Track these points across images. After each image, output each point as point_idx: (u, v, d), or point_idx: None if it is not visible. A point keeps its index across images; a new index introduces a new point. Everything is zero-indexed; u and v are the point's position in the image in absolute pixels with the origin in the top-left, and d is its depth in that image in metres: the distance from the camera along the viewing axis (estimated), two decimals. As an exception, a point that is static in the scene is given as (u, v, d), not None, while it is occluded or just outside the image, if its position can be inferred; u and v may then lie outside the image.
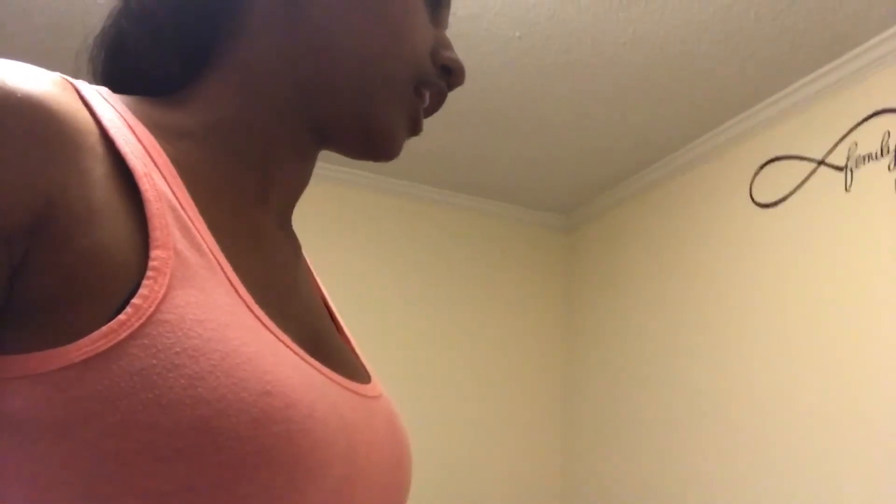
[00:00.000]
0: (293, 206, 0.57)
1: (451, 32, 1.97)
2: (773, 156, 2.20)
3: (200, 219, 0.44)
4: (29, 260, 0.38)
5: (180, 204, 0.43)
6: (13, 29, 1.99)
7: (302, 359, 0.45)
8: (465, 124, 2.41)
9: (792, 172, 2.12)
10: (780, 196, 2.15)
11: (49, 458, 0.36)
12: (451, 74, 0.56)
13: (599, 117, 2.36)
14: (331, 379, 0.47)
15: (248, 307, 0.43)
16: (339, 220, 2.74)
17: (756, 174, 2.24)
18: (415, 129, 0.56)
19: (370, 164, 2.63)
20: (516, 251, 3.05)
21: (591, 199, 2.94)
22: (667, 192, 2.61)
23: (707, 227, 2.41)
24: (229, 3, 0.52)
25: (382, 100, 0.53)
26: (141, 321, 0.37)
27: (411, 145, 2.69)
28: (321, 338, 0.53)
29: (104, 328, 0.37)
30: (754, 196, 2.24)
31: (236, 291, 0.43)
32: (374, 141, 0.54)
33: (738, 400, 2.16)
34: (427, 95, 0.56)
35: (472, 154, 2.61)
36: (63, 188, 0.38)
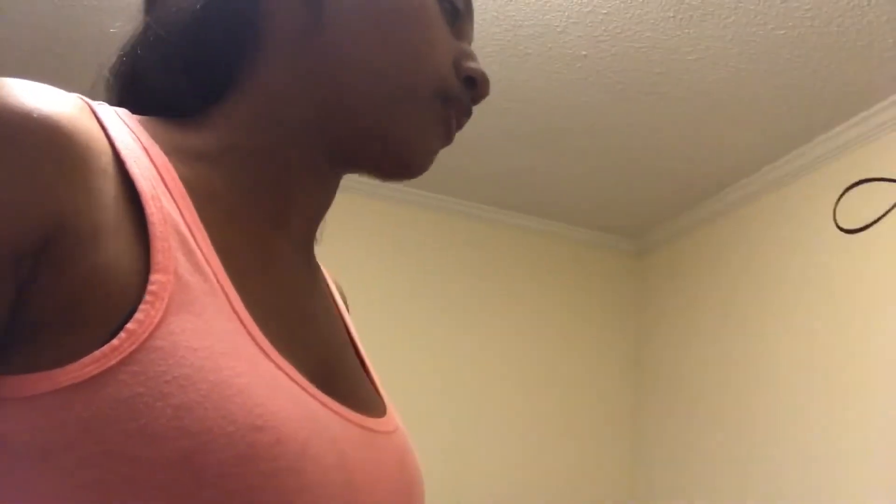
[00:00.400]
0: (315, 231, 0.56)
1: (514, 52, 1.95)
2: (858, 178, 2.06)
3: (208, 242, 0.44)
4: (31, 281, 0.37)
5: (188, 227, 0.43)
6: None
7: (304, 390, 0.43)
8: (532, 145, 2.37)
9: (880, 196, 1.98)
10: (867, 221, 2.00)
11: (30, 483, 0.35)
12: (475, 86, 0.55)
13: (671, 138, 2.28)
14: (335, 412, 0.45)
15: (250, 334, 0.42)
16: (394, 240, 2.74)
17: (840, 198, 2.11)
18: (447, 140, 0.55)
19: (436, 183, 2.63)
20: (585, 275, 2.97)
21: (663, 222, 2.84)
22: (744, 217, 2.49)
23: (788, 253, 2.27)
24: (245, 29, 0.52)
25: (402, 115, 0.52)
26: (133, 347, 0.37)
27: (478, 167, 2.68)
28: (334, 368, 0.51)
29: (96, 353, 0.36)
30: (839, 221, 2.10)
31: (238, 317, 0.42)
32: (399, 160, 0.53)
33: (819, 437, 2.02)
34: (451, 112, 0.54)
35: (539, 175, 2.57)
36: (73, 210, 0.38)
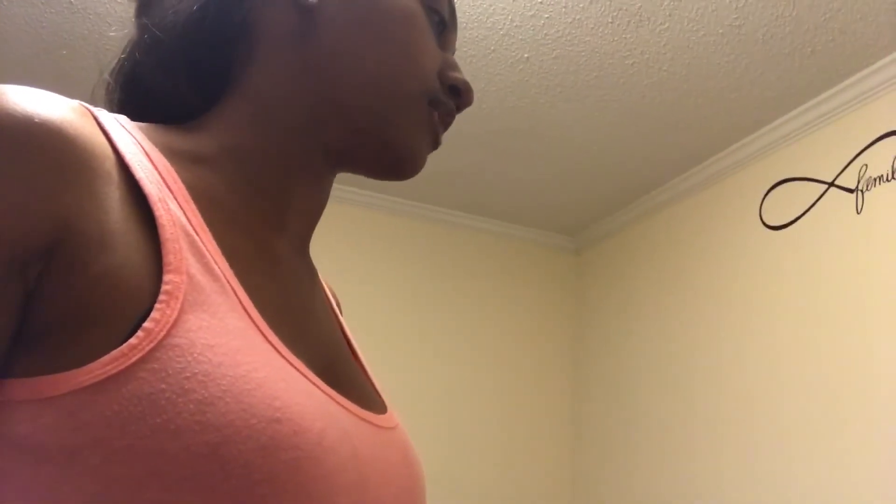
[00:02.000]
0: (311, 231, 0.57)
1: (458, 55, 1.98)
2: (782, 178, 2.19)
3: (214, 244, 0.44)
4: (42, 284, 0.38)
5: (194, 229, 0.43)
6: (28, 50, 2.01)
7: (315, 385, 0.44)
8: (473, 145, 2.41)
9: (802, 195, 2.11)
10: (791, 218, 2.13)
11: (55, 483, 0.36)
12: (459, 95, 0.57)
13: (607, 139, 2.35)
14: (344, 407, 0.46)
15: (261, 332, 0.43)
16: (345, 240, 2.74)
17: (765, 196, 2.23)
18: (435, 144, 0.57)
19: (375, 182, 2.64)
20: (524, 272, 3.04)
21: (599, 220, 2.93)
22: (676, 214, 2.59)
23: (717, 249, 2.39)
24: (240, 32, 0.53)
25: (398, 117, 0.53)
26: (151, 345, 0.37)
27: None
28: (336, 365, 0.52)
29: (114, 352, 0.36)
30: (764, 218, 2.22)
31: (249, 316, 0.43)
32: (394, 158, 0.54)
33: (748, 422, 2.13)
34: (436, 116, 0.56)
35: (479, 175, 2.61)
36: (78, 213, 0.38)
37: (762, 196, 2.24)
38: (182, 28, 0.52)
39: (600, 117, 2.25)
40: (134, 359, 0.36)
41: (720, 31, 1.87)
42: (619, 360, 2.74)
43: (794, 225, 2.11)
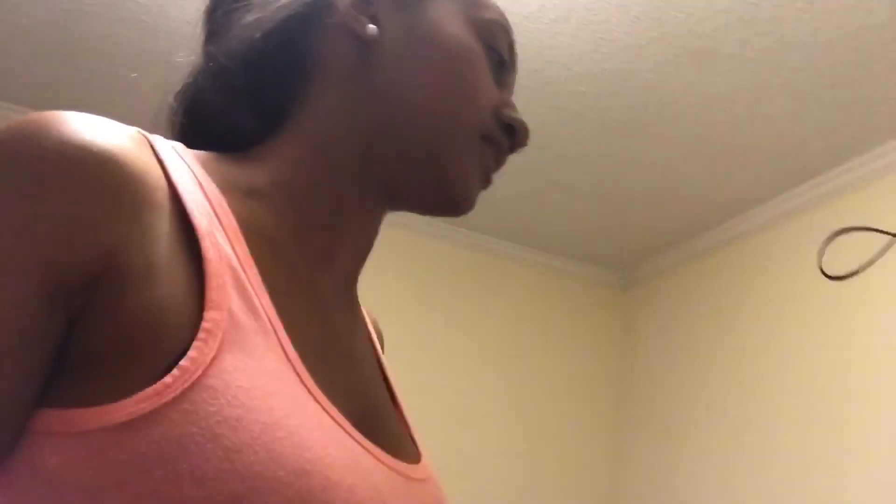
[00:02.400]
0: (359, 268, 0.56)
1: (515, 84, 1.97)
2: (844, 226, 2.11)
3: (259, 280, 0.44)
4: (84, 315, 0.38)
5: (241, 264, 0.43)
6: (102, 67, 2.07)
7: (348, 434, 0.43)
8: (522, 174, 2.38)
9: (865, 245, 2.02)
10: (852, 269, 2.04)
11: None
12: (514, 134, 0.56)
13: (662, 176, 2.31)
14: (376, 457, 0.45)
15: (298, 375, 0.42)
16: (388, 264, 2.74)
17: (826, 244, 2.15)
18: (486, 182, 0.57)
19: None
20: (569, 306, 2.98)
21: (649, 258, 2.86)
22: (730, 257, 2.52)
23: (772, 295, 2.31)
24: (303, 65, 0.53)
25: (453, 153, 0.53)
26: (186, 385, 0.36)
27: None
28: (372, 411, 0.51)
29: (149, 390, 0.36)
30: (824, 267, 2.14)
31: (287, 357, 0.42)
32: (448, 194, 0.54)
33: (801, 478, 2.04)
34: (489, 153, 0.56)
35: (527, 204, 2.58)
36: (126, 245, 0.38)
37: (822, 243, 2.16)
38: (245, 57, 0.52)
39: (656, 154, 2.20)
40: (167, 398, 0.36)
41: (786, 73, 1.82)
42: (664, 404, 2.67)
43: (855, 276, 2.03)
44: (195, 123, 0.54)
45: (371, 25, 0.52)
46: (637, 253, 2.85)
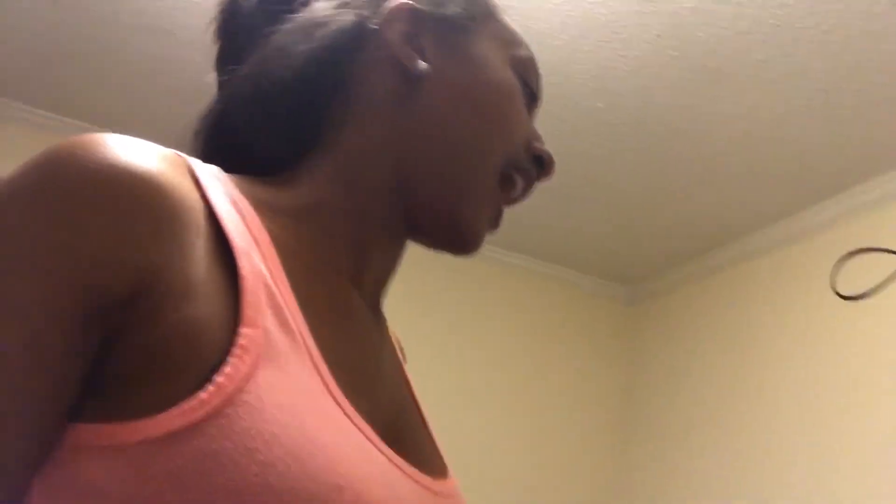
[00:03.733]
0: (384, 290, 0.58)
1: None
2: (857, 246, 2.11)
3: (292, 295, 0.44)
4: (121, 332, 0.38)
5: (274, 281, 0.43)
6: (142, 93, 2.07)
7: (378, 449, 0.44)
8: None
9: (879, 266, 2.02)
10: (866, 289, 2.04)
11: None
12: (542, 165, 0.59)
13: (675, 192, 2.31)
14: (406, 473, 0.46)
15: (330, 391, 0.42)
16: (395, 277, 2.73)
17: (839, 264, 2.15)
18: (495, 225, 0.58)
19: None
20: (573, 318, 2.98)
21: (658, 273, 2.86)
22: (741, 275, 2.52)
23: (783, 315, 2.30)
24: (343, 92, 0.54)
25: (473, 194, 0.54)
26: (221, 400, 0.37)
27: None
28: (399, 424, 0.52)
29: (184, 405, 0.36)
30: (837, 287, 2.13)
31: (319, 374, 0.42)
32: (461, 236, 0.55)
33: (808, 496, 2.03)
34: (518, 182, 0.58)
35: (538, 217, 2.58)
36: (164, 264, 0.39)
37: (836, 264, 2.16)
38: (289, 82, 0.52)
39: (670, 170, 2.21)
40: (203, 413, 0.36)
41: (806, 95, 1.82)
42: (669, 419, 2.66)
43: (868, 297, 2.03)
44: (227, 147, 0.54)
45: (420, 61, 0.53)
46: (646, 267, 2.85)
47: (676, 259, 2.74)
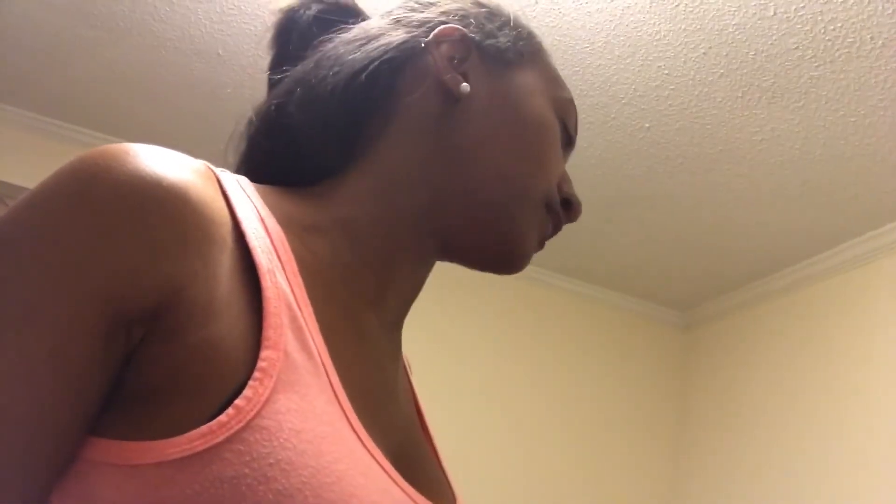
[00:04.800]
0: (406, 312, 0.57)
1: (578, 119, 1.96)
2: (925, 271, 2.00)
3: (314, 319, 0.44)
4: (143, 347, 0.38)
5: (297, 303, 0.43)
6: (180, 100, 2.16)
7: (393, 480, 0.44)
8: (586, 209, 2.35)
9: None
10: (933, 317, 1.93)
11: None
12: (570, 209, 0.59)
13: (729, 214, 2.24)
14: (416, 502, 0.46)
15: (347, 418, 0.42)
16: (447, 298, 2.73)
17: (904, 290, 2.04)
18: (540, 247, 0.58)
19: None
20: (628, 344, 2.91)
21: (713, 297, 2.78)
22: (799, 300, 2.42)
23: (846, 340, 2.20)
24: (384, 106, 0.54)
25: (519, 215, 0.54)
26: (240, 425, 0.36)
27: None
28: (410, 453, 0.52)
29: (203, 428, 0.36)
30: (901, 314, 2.03)
31: (337, 399, 0.42)
32: (506, 253, 0.55)
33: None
34: (549, 220, 0.58)
35: (588, 240, 2.55)
36: (190, 280, 0.39)
37: (900, 289, 2.06)
38: (342, 89, 0.52)
39: (723, 192, 2.15)
40: (221, 437, 0.36)
41: (861, 111, 1.75)
42: (723, 446, 2.56)
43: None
44: (275, 146, 0.54)
45: (465, 84, 0.54)
46: (700, 293, 2.77)
47: (732, 284, 2.65)
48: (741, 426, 2.52)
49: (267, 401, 0.38)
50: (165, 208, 0.39)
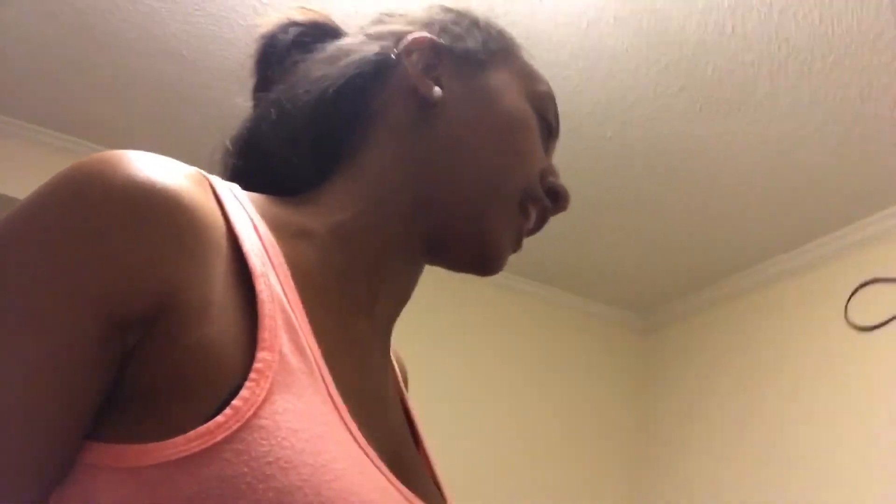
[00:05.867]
0: (397, 316, 0.58)
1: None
2: (872, 277, 2.09)
3: (307, 321, 0.45)
4: (138, 350, 0.39)
5: (290, 306, 0.44)
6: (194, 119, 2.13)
7: (388, 480, 0.44)
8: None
9: (890, 296, 2.01)
10: (880, 321, 2.02)
11: None
12: (557, 199, 0.60)
13: (688, 220, 2.31)
14: (410, 502, 0.46)
15: (342, 418, 0.43)
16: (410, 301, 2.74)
17: (853, 294, 2.13)
18: (517, 246, 0.59)
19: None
20: (586, 347, 2.96)
21: (672, 301, 2.85)
22: (754, 303, 2.50)
23: (795, 344, 2.28)
24: (365, 117, 0.56)
25: (495, 214, 0.55)
26: (238, 424, 0.37)
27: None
28: (401, 454, 0.52)
29: (201, 428, 0.36)
30: (850, 317, 2.12)
31: (333, 402, 0.43)
32: (485, 255, 0.56)
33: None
34: (532, 213, 0.59)
35: (553, 245, 2.59)
36: (184, 283, 0.39)
37: (850, 293, 2.14)
38: (314, 108, 0.55)
39: (682, 199, 2.21)
40: (219, 437, 0.36)
41: (814, 124, 1.82)
42: (684, 448, 2.63)
43: (882, 328, 2.01)
44: (252, 167, 0.56)
45: (437, 88, 0.55)
46: (661, 296, 2.84)
47: (690, 287, 2.72)
48: (700, 427, 2.59)
49: (264, 401, 0.38)
50: (158, 212, 0.39)
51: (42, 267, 0.37)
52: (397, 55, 0.56)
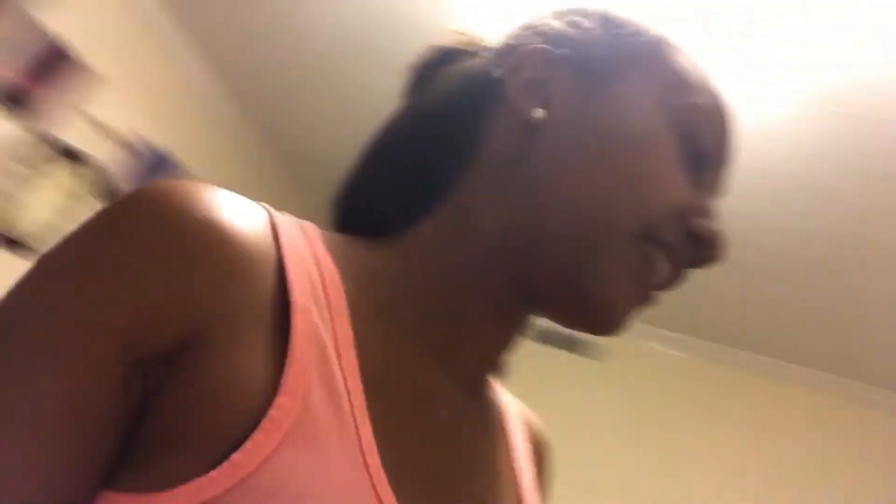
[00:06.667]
0: (488, 369, 0.50)
1: (751, 184, 1.80)
2: None
3: (355, 366, 0.40)
4: (156, 393, 0.36)
5: (336, 348, 0.39)
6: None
7: None
8: (772, 279, 2.13)
9: None
10: None
11: None
12: (700, 246, 0.46)
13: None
14: None
15: (373, 484, 0.37)
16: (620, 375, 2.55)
17: None
18: (645, 298, 0.47)
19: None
20: (846, 438, 2.53)
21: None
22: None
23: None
24: (465, 145, 0.50)
25: (604, 259, 0.44)
26: (231, 483, 0.33)
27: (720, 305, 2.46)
28: None
29: (192, 483, 0.33)
30: None
31: (364, 461, 0.37)
32: (592, 309, 0.45)
33: None
34: (656, 260, 0.46)
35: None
36: (215, 318, 0.36)
37: None
38: (412, 138, 0.51)
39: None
40: (207, 496, 0.32)
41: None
42: None
43: None
44: (354, 208, 0.53)
45: (538, 109, 0.47)
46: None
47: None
48: None
49: (270, 456, 0.34)
50: (199, 246, 0.37)
51: (66, 298, 0.35)
52: (502, 74, 0.49)
